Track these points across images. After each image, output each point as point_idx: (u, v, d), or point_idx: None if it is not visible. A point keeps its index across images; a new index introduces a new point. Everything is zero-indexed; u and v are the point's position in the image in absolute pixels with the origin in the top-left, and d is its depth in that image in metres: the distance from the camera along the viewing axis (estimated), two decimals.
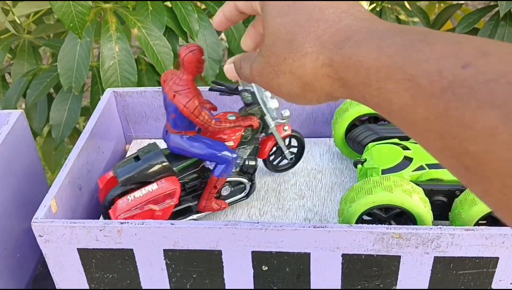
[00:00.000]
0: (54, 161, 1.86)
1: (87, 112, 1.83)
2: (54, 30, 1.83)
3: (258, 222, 0.90)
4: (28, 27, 1.84)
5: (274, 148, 1.18)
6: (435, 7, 1.99)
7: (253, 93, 1.07)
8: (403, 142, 1.06)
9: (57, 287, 1.02)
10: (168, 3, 1.64)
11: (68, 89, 1.54)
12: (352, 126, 1.17)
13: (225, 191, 1.10)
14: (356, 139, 1.13)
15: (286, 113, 1.14)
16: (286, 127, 1.15)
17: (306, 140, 1.28)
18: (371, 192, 0.93)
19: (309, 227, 0.88)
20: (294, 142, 1.20)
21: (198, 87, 1.02)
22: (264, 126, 1.12)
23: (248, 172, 1.12)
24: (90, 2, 1.42)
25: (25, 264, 1.20)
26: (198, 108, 0.98)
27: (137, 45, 1.58)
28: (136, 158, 1.05)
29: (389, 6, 1.65)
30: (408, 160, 1.02)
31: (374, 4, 1.62)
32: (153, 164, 1.03)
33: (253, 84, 1.06)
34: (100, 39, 1.52)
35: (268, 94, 1.10)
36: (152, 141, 1.12)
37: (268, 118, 1.10)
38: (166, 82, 1.01)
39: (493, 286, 0.91)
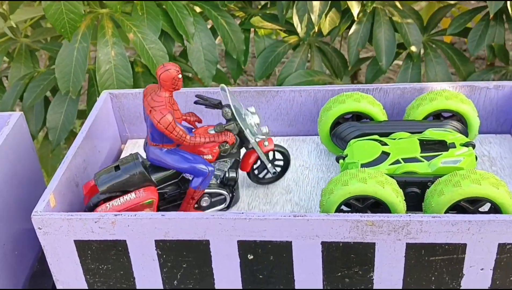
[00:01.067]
0: (50, 165, 2.00)
1: (83, 115, 1.96)
2: (51, 33, 1.95)
3: (242, 212, 1.03)
4: (25, 31, 1.98)
5: (259, 161, 1.27)
6: (435, 7, 2.11)
7: (233, 110, 1.18)
8: (382, 138, 1.20)
9: (54, 278, 1.15)
10: (164, 5, 1.77)
11: (66, 93, 1.68)
12: (336, 124, 1.30)
13: (204, 202, 1.20)
14: (339, 136, 1.26)
15: (265, 129, 1.23)
16: (266, 143, 1.23)
17: (295, 138, 1.42)
18: (347, 184, 1.06)
19: (289, 216, 1.01)
20: (279, 155, 1.30)
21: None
22: (244, 141, 1.22)
23: (229, 184, 1.22)
24: (82, 9, 1.55)
25: (23, 261, 1.33)
26: (172, 124, 1.09)
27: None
28: (117, 167, 1.16)
29: (381, 7, 1.79)
30: (385, 154, 1.15)
31: (365, 7, 1.75)
32: (132, 174, 1.14)
33: (230, 100, 1.18)
34: (97, 44, 1.66)
35: (251, 109, 1.23)
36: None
37: (247, 134, 1.20)
38: (146, 97, 1.13)
39: (464, 272, 1.04)
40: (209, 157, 1.19)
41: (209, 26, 1.82)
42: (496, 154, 1.32)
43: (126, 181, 1.14)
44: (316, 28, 1.76)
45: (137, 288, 1.13)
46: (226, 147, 1.19)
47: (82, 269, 1.12)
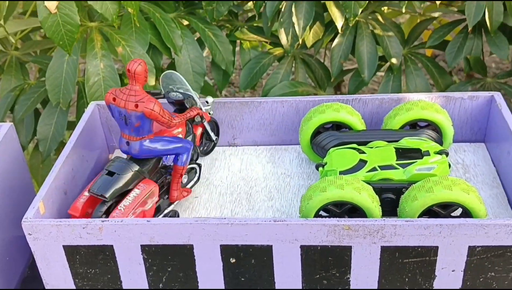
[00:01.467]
0: (41, 175, 2.03)
1: (73, 126, 1.99)
2: (41, 46, 2.00)
3: (225, 218, 1.08)
4: (15, 43, 2.02)
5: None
6: (417, 20, 2.17)
7: (179, 91, 1.35)
8: (360, 147, 1.25)
9: (44, 282, 1.19)
10: (152, 19, 1.82)
11: (56, 104, 1.72)
12: (316, 133, 1.35)
13: (184, 179, 1.32)
14: (319, 144, 1.31)
15: (210, 99, 1.40)
16: (211, 112, 1.41)
17: (277, 147, 1.48)
18: (325, 190, 1.12)
19: (270, 221, 1.06)
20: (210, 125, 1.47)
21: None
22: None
23: (193, 158, 1.35)
24: (78, 20, 1.60)
25: (14, 267, 1.37)
26: (162, 109, 1.19)
27: None
28: (110, 173, 1.21)
29: (364, 20, 1.85)
30: (363, 162, 1.20)
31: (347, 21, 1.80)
32: (129, 173, 1.21)
33: (185, 81, 1.35)
34: (86, 56, 1.70)
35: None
36: None
37: (199, 106, 1.37)
38: (117, 99, 1.19)
39: (436, 274, 1.09)
40: (180, 136, 1.32)
41: (195, 39, 1.87)
42: (470, 161, 1.38)
43: (126, 181, 1.20)
44: (300, 41, 1.82)
45: None
46: (198, 120, 1.37)
47: (71, 273, 1.16)
